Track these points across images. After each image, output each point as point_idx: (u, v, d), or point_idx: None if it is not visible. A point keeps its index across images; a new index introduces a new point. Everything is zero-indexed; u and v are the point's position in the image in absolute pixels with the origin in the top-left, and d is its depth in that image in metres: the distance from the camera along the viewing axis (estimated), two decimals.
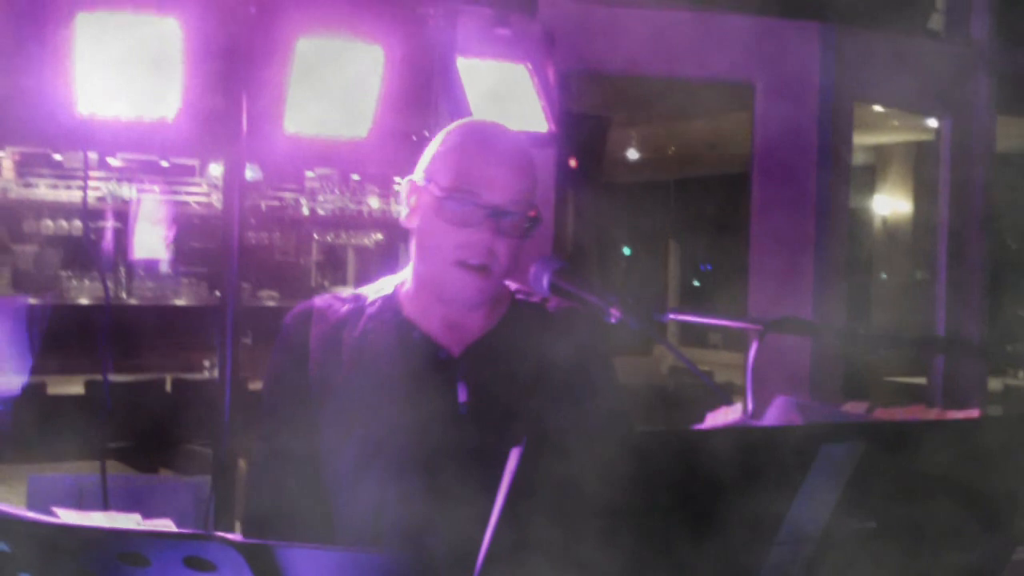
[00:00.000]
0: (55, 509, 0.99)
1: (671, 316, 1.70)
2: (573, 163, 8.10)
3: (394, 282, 2.02)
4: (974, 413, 1.29)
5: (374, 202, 12.08)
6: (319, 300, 2.01)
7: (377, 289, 2.02)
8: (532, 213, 1.90)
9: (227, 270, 2.90)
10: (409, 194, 1.95)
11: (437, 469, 1.82)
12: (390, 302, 1.99)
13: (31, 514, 1.00)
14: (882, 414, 1.27)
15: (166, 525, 0.97)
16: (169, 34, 2.79)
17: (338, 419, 1.89)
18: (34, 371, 8.02)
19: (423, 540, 1.79)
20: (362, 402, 1.89)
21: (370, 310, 1.98)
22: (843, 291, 6.00)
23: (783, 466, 1.19)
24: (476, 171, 1.88)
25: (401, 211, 1.97)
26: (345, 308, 1.98)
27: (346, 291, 2.05)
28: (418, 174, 1.95)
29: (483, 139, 1.93)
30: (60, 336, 8.63)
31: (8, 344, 7.44)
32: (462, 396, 1.89)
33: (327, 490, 1.90)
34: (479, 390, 1.90)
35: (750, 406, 1.39)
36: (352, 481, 1.87)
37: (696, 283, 14.99)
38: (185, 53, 2.80)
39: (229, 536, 0.95)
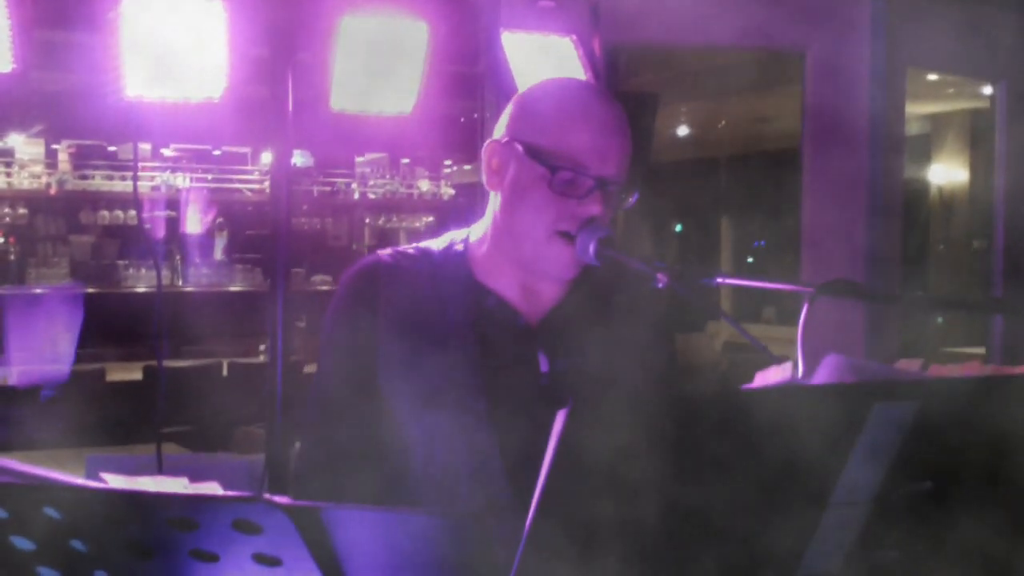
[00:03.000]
0: (104, 475, 1.00)
1: (720, 280, 1.67)
2: None
3: (462, 239, 1.93)
4: None
5: (424, 185, 12.14)
6: (385, 255, 1.91)
7: (445, 246, 1.92)
8: (630, 181, 1.83)
9: (276, 247, 2.92)
10: (493, 156, 1.85)
11: (519, 439, 1.74)
12: (460, 261, 1.89)
13: (80, 481, 1.00)
14: (937, 371, 1.25)
15: (213, 488, 0.97)
16: (214, 15, 2.81)
17: (410, 381, 1.81)
18: (90, 358, 8.17)
19: (502, 507, 1.74)
20: (437, 367, 1.81)
21: (440, 270, 1.88)
22: (898, 263, 5.92)
23: (836, 426, 1.16)
24: (585, 140, 1.78)
25: (482, 174, 1.87)
26: (413, 265, 1.88)
27: (410, 247, 1.93)
28: (505, 134, 1.85)
29: (588, 104, 1.82)
30: (118, 324, 8.78)
31: (60, 331, 7.56)
32: (544, 366, 1.84)
33: (396, 453, 1.82)
34: (558, 361, 1.85)
35: (802, 368, 1.37)
36: (426, 446, 1.80)
37: (750, 259, 14.88)
38: (230, 34, 2.81)
39: (276, 498, 0.95)
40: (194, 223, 10.57)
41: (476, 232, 1.92)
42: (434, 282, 1.86)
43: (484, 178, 1.87)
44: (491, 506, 1.76)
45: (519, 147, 1.81)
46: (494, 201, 1.88)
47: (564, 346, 1.86)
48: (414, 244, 1.94)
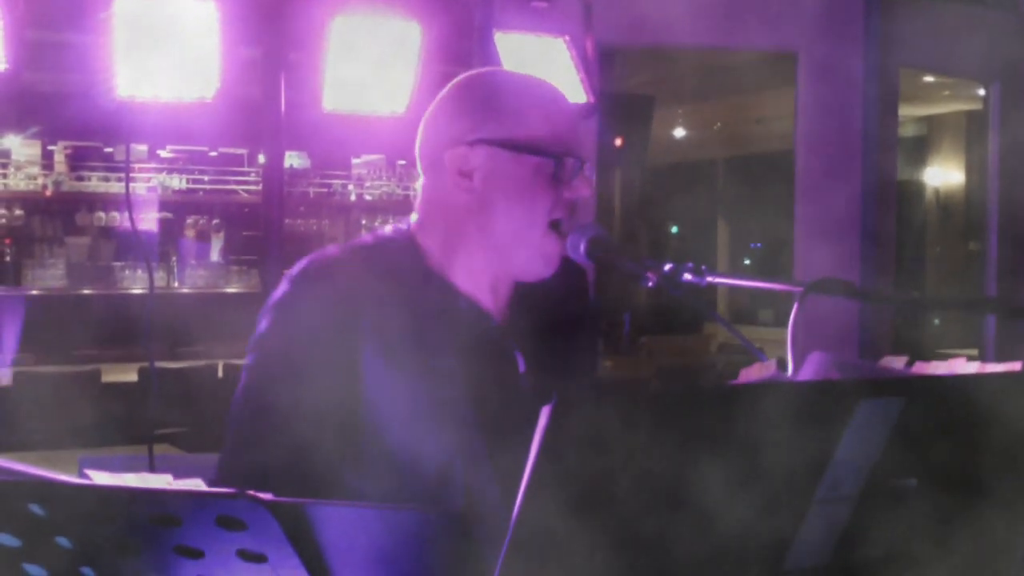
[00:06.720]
0: (88, 472, 1.00)
1: (709, 279, 1.67)
2: (619, 142, 8.07)
3: (404, 234, 1.80)
4: (1016, 366, 1.26)
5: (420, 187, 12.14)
6: (333, 251, 1.77)
7: (386, 243, 1.80)
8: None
9: (269, 248, 2.92)
10: (464, 162, 1.73)
11: (506, 440, 1.62)
12: (416, 262, 1.78)
13: (64, 477, 1.01)
14: (921, 368, 1.25)
15: (196, 485, 0.97)
16: (206, 15, 2.81)
17: (394, 389, 1.70)
18: (86, 359, 8.17)
19: (492, 508, 1.70)
20: (419, 373, 1.71)
21: (398, 270, 1.75)
22: (891, 263, 5.93)
23: (821, 422, 1.17)
24: (564, 122, 1.74)
25: (443, 180, 1.75)
26: (368, 266, 1.74)
27: (348, 246, 1.80)
28: (468, 136, 1.74)
29: (547, 88, 1.78)
30: (114, 325, 8.77)
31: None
32: (522, 366, 1.80)
33: (379, 460, 1.72)
34: (529, 355, 1.80)
35: (791, 366, 1.37)
36: (413, 453, 1.72)
37: (747, 261, 14.90)
38: (222, 34, 2.81)
39: (260, 495, 0.95)
40: (189, 225, 10.58)
41: (422, 228, 1.80)
42: (399, 284, 1.74)
43: (448, 183, 1.75)
44: (481, 508, 1.74)
45: (497, 146, 1.73)
46: (454, 204, 1.76)
47: (530, 339, 1.81)
48: (348, 245, 1.81)
